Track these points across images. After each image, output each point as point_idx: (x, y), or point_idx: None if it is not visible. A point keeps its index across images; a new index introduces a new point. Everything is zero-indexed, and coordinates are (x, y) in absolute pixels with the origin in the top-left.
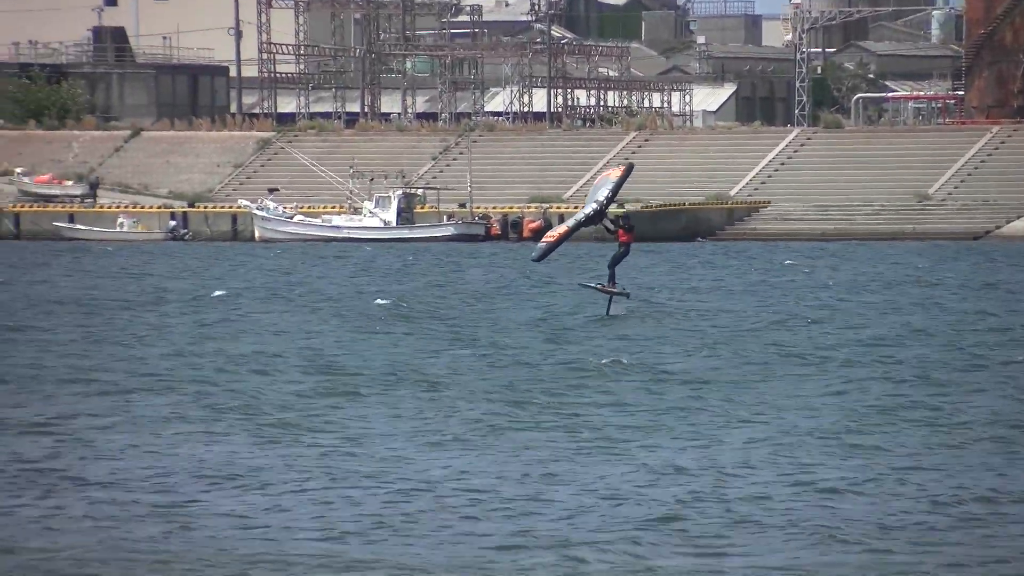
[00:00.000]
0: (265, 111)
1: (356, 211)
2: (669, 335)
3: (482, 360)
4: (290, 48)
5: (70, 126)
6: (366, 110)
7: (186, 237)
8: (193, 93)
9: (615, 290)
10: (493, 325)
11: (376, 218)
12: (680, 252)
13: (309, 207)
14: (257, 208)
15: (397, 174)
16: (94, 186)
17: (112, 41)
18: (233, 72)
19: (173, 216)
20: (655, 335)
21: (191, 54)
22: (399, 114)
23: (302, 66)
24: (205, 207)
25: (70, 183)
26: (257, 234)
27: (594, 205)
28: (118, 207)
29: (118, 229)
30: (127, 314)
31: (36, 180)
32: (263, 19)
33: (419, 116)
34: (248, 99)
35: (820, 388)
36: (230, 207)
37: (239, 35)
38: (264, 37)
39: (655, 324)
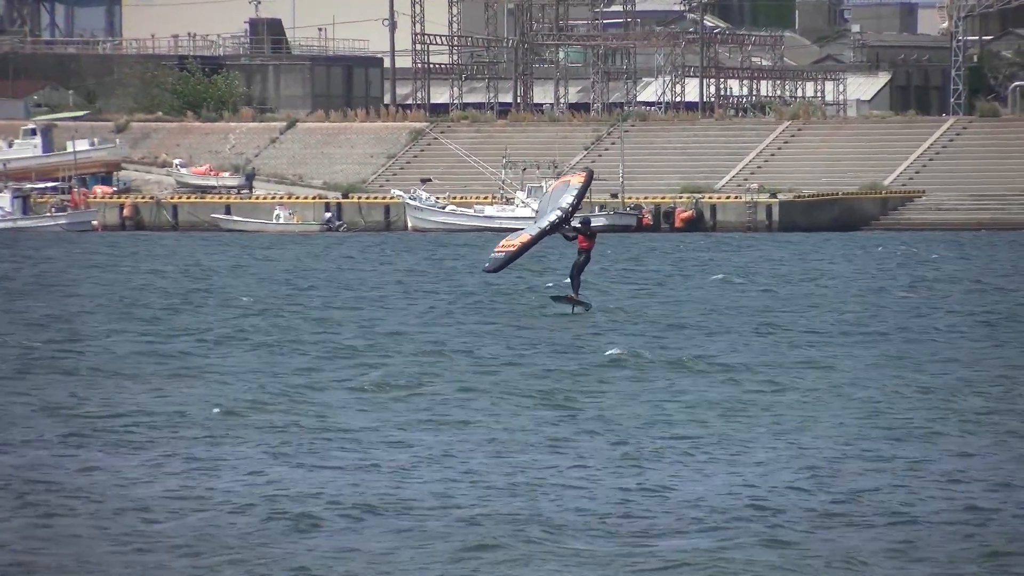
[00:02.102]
0: (418, 102)
1: (508, 201)
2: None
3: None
4: (444, 39)
5: (227, 118)
6: (519, 100)
7: (340, 228)
8: (348, 84)
9: (579, 300)
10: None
11: (528, 208)
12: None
13: (461, 197)
14: (410, 198)
15: (549, 164)
16: (250, 177)
17: (268, 33)
18: (387, 63)
19: (328, 207)
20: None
21: (346, 45)
22: (551, 104)
23: (455, 57)
24: (359, 198)
25: (227, 174)
26: (410, 224)
27: (558, 212)
28: (274, 198)
29: (274, 221)
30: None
31: (193, 171)
32: (417, 10)
33: (571, 106)
34: (402, 90)
35: None
36: (383, 198)
37: (393, 26)
38: (418, 28)
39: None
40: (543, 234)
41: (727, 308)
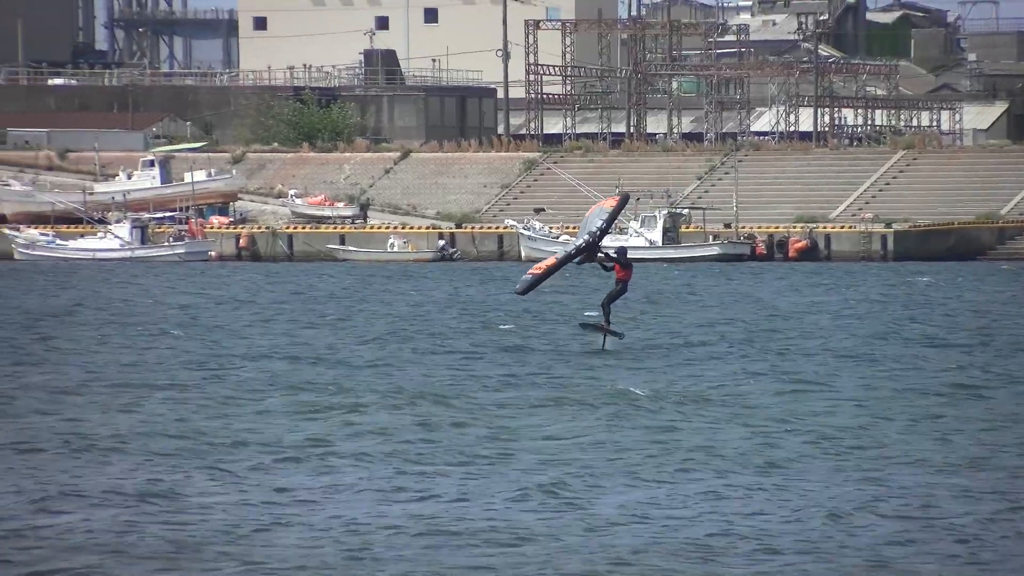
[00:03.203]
0: (531, 132)
1: (622, 231)
2: None
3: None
4: (557, 69)
5: (342, 148)
6: (631, 130)
7: (454, 257)
8: (461, 115)
9: (611, 330)
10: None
11: (642, 237)
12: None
13: (575, 227)
14: (524, 228)
15: (662, 194)
16: (364, 207)
17: (383, 64)
18: (501, 94)
19: (441, 236)
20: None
21: (460, 76)
22: (664, 134)
23: (568, 87)
24: (472, 227)
25: (341, 204)
26: (523, 254)
27: (586, 236)
28: (388, 228)
29: (389, 250)
30: None
31: (309, 201)
32: (531, 40)
33: (684, 136)
34: (515, 120)
35: None
36: (497, 227)
37: (507, 57)
38: (531, 58)
39: None
40: (568, 257)
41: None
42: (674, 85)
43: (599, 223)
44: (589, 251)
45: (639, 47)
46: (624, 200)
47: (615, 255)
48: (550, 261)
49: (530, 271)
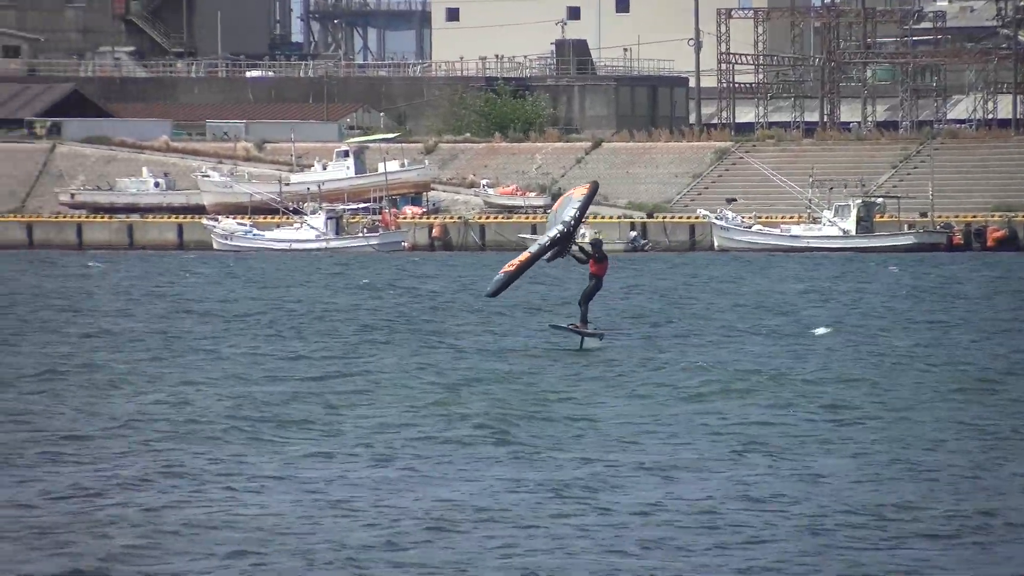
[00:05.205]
0: (723, 121)
1: (815, 220)
2: None
3: None
4: (749, 58)
5: (533, 138)
6: (824, 119)
7: (645, 248)
8: (652, 104)
9: (588, 330)
10: None
11: (835, 227)
12: None
13: (767, 216)
14: (716, 218)
15: (856, 183)
16: (556, 197)
17: (574, 54)
18: (692, 83)
19: (633, 226)
20: None
21: (651, 65)
22: (858, 123)
23: (761, 76)
24: (663, 217)
25: (533, 194)
26: (716, 244)
27: (560, 227)
28: None
29: (579, 240)
30: None
31: (500, 192)
32: (723, 29)
33: (879, 125)
34: (707, 109)
35: None
36: (688, 217)
37: (699, 46)
38: (723, 47)
39: None
40: (543, 251)
41: None
42: (868, 73)
43: (572, 213)
44: (563, 243)
45: (832, 35)
46: (595, 188)
47: (592, 249)
48: (523, 257)
49: (503, 269)
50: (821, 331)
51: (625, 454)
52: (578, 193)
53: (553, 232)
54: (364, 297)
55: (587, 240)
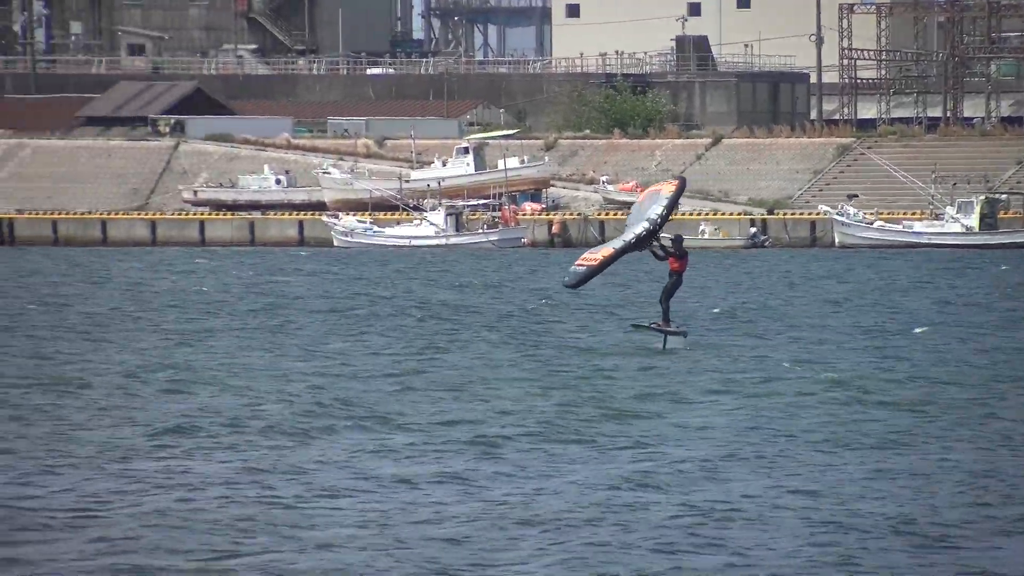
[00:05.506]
0: (845, 117)
1: (938, 217)
2: None
3: None
4: (871, 53)
5: (652, 135)
6: (947, 115)
7: (766, 244)
8: (773, 100)
9: (671, 328)
10: None
11: (958, 224)
12: None
13: (889, 213)
14: (838, 214)
15: (980, 179)
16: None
17: (694, 50)
18: (813, 78)
19: (753, 223)
20: None
21: (772, 61)
22: (982, 118)
23: (883, 71)
24: (784, 214)
25: None
26: (837, 240)
27: (645, 224)
28: (698, 214)
29: (700, 236)
30: None
31: (620, 188)
32: (845, 25)
33: (1003, 120)
34: (828, 105)
35: None
36: (809, 214)
37: (820, 41)
38: (845, 43)
39: None
40: (627, 248)
41: None
42: (992, 68)
43: (659, 210)
44: (646, 242)
45: (956, 30)
46: (683, 185)
47: (672, 245)
48: (606, 252)
49: (580, 261)
50: (919, 330)
51: (714, 449)
52: (666, 190)
53: (638, 229)
54: (469, 293)
55: (707, 236)
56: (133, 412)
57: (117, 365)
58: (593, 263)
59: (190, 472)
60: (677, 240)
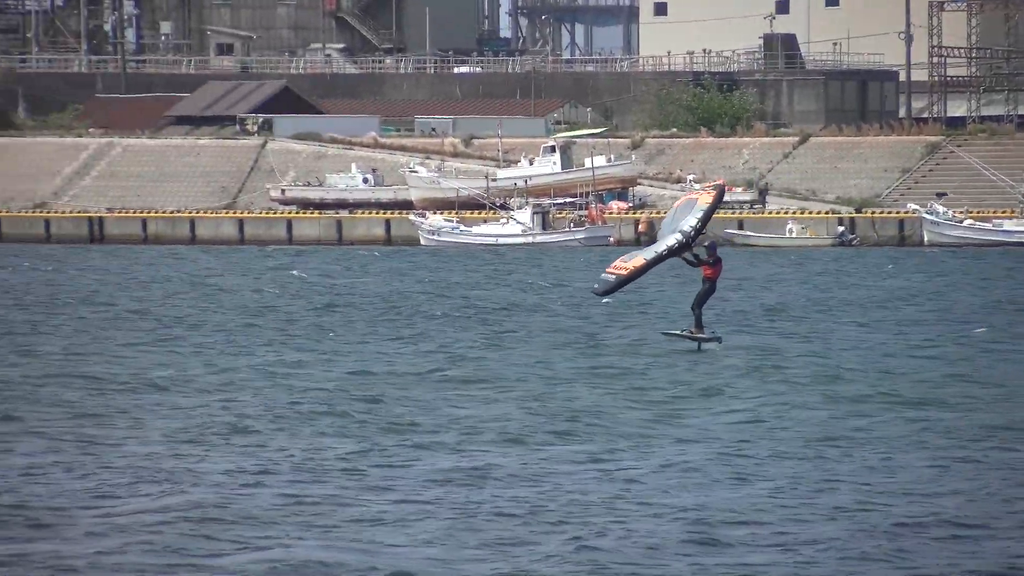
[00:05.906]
0: (934, 115)
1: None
2: None
3: None
4: (961, 51)
5: (740, 133)
6: None
7: (854, 243)
8: (862, 98)
9: (704, 335)
10: None
11: None
12: None
13: (979, 211)
14: (926, 212)
15: None
16: (763, 192)
17: (782, 48)
18: (902, 76)
19: (840, 222)
20: None
21: (860, 59)
22: None
23: (974, 69)
24: (872, 212)
25: (739, 189)
26: (926, 238)
27: (678, 236)
28: (785, 213)
29: (787, 235)
30: None
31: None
32: (935, 22)
33: None
34: (917, 104)
35: None
36: (897, 212)
37: (910, 39)
38: (935, 40)
39: None
40: (659, 259)
41: None
42: None
43: (693, 222)
44: (680, 253)
45: None
46: (721, 193)
47: (707, 252)
48: (638, 262)
49: (610, 269)
50: (980, 330)
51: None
52: (703, 200)
53: (671, 241)
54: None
55: (794, 234)
56: (172, 411)
57: (156, 366)
58: (623, 272)
59: (230, 469)
60: (711, 247)
